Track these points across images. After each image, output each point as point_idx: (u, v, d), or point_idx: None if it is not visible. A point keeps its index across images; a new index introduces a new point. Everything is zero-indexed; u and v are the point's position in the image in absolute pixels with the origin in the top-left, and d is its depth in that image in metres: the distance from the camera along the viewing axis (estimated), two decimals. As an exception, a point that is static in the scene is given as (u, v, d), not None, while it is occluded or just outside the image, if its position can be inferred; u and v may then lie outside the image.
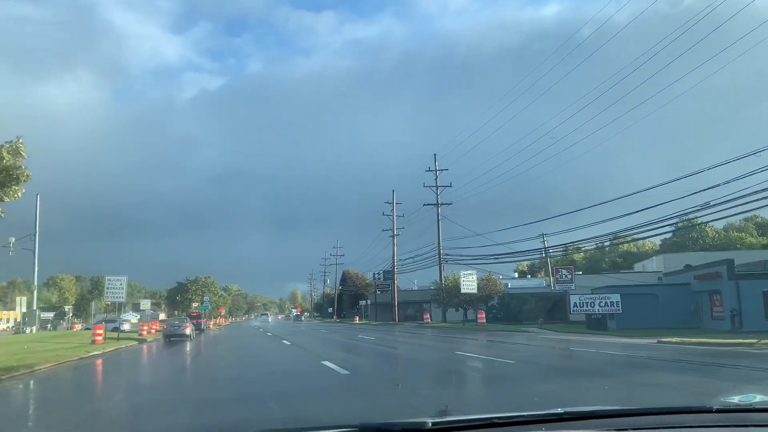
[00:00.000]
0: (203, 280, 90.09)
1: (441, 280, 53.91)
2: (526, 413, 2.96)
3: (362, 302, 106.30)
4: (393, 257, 62.12)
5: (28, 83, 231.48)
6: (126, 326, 48.52)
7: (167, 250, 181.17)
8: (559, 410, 2.98)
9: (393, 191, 62.69)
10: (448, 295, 52.90)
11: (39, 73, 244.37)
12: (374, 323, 64.94)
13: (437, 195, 51.34)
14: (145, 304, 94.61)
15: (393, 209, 62.17)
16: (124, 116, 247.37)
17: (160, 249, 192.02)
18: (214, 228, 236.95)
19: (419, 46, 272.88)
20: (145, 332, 38.68)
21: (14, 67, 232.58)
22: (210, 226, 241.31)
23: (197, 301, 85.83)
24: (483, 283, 49.82)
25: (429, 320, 54.50)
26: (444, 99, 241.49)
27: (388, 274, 68.00)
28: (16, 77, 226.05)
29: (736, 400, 3.60)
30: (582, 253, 76.26)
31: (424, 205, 51.79)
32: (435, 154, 52.98)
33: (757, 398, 3.51)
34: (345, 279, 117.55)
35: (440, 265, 53.42)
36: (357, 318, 72.65)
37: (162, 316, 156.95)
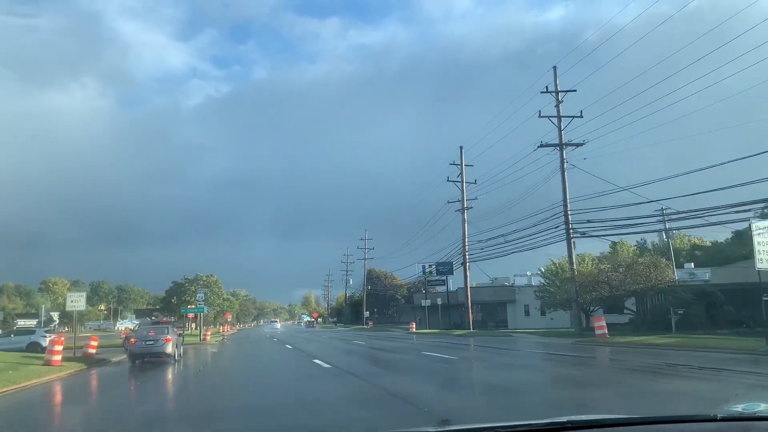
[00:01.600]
0: (205, 279, 76.16)
1: (572, 260, 33.71)
2: (529, 422, 2.95)
3: (394, 305, 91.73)
4: (463, 237, 46.14)
5: (34, 91, 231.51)
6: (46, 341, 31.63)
7: (173, 255, 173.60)
8: (563, 419, 2.98)
9: (461, 148, 47.48)
10: (585, 288, 35.15)
11: (45, 81, 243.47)
12: (432, 332, 49.07)
13: (560, 141, 34.27)
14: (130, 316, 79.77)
15: (462, 171, 46.94)
16: (130, 123, 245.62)
17: (165, 255, 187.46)
18: (221, 234, 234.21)
19: (424, 51, 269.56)
20: (93, 348, 24.01)
21: (20, 74, 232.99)
22: (217, 232, 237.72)
23: (195, 304, 72.27)
24: (643, 269, 34.14)
25: (507, 327, 38.92)
26: (451, 102, 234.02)
27: (443, 267, 52.55)
28: (22, 85, 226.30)
29: (740, 408, 3.43)
30: None
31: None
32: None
33: (761, 406, 3.33)
34: (370, 279, 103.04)
35: (569, 236, 32.60)
36: (413, 325, 53.23)
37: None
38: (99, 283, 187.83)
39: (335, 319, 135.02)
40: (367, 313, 79.94)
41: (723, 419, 3.01)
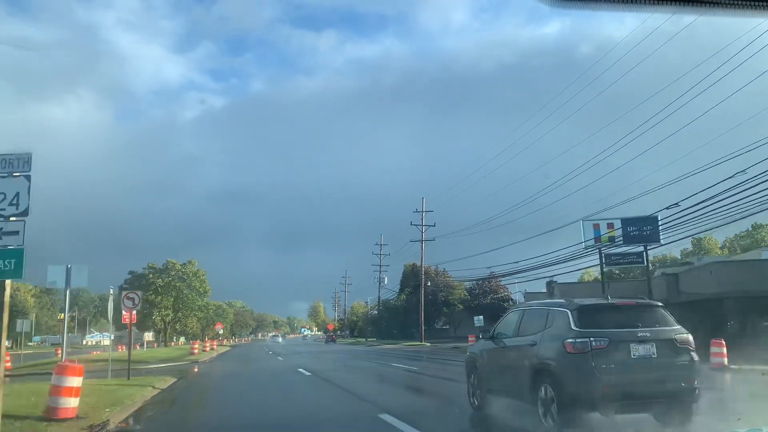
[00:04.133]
0: (180, 268, 50.84)
1: None
2: None
3: (448, 313, 65.96)
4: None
5: (29, 104, 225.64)
6: None
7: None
8: None
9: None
10: None
11: (41, 94, 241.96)
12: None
13: None
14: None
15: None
16: (127, 136, 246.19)
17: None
18: (217, 246, 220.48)
19: (420, 65, 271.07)
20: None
21: (16, 87, 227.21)
22: (212, 244, 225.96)
23: (166, 305, 46.73)
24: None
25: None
26: (447, 116, 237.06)
27: (642, 224, 25.55)
28: (17, 97, 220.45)
29: None
30: None
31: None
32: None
33: (764, 430, 3.35)
34: (407, 278, 76.85)
35: None
36: (472, 339, 28.42)
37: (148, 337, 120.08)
38: (79, 291, 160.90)
39: (347, 332, 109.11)
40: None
41: None
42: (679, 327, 7.73)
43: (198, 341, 45.76)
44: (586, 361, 7.11)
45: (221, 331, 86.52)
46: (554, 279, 39.45)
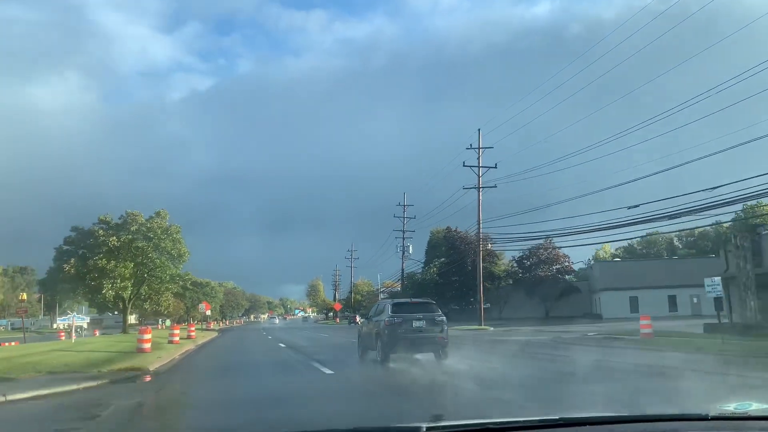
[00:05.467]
0: (143, 222, 36.12)
1: None
2: (521, 419, 2.96)
3: (494, 288, 52.79)
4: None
5: (15, 84, 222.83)
6: None
7: None
8: (555, 416, 2.93)
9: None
10: None
11: (26, 74, 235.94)
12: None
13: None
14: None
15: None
16: (114, 118, 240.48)
17: None
18: (207, 229, 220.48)
19: (410, 46, 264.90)
20: None
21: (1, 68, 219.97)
22: (202, 227, 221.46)
23: (123, 274, 32.57)
24: None
25: None
26: (438, 97, 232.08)
27: None
28: (2, 78, 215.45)
29: (732, 407, 3.38)
30: None
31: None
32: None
33: (753, 406, 3.36)
34: (435, 247, 63.30)
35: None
36: None
37: (131, 319, 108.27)
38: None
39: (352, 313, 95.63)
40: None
41: (714, 418, 3.01)
42: (438, 312, 15.76)
43: (176, 325, 32.53)
44: (393, 329, 14.87)
45: (209, 313, 72.93)
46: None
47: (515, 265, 56.03)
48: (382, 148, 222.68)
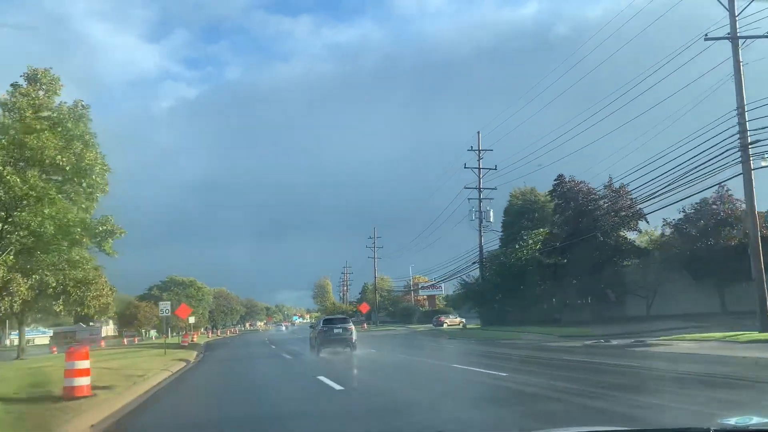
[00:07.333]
0: (24, 92, 17.04)
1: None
2: None
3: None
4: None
5: None
6: None
7: (148, 258, 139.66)
8: (560, 430, 3.12)
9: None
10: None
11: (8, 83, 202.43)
12: None
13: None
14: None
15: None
16: (104, 126, 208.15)
17: (140, 258, 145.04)
18: (199, 236, 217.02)
19: (400, 49, 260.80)
20: None
21: None
22: (195, 235, 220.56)
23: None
24: None
25: None
26: (430, 99, 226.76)
27: None
28: None
29: (732, 421, 3.34)
30: None
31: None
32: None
33: (753, 420, 3.32)
34: (517, 213, 43.61)
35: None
36: None
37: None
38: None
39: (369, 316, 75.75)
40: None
41: None
42: (350, 323, 26.44)
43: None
44: (321, 334, 25.04)
45: (192, 320, 53.02)
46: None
47: (672, 231, 35.84)
48: (376, 151, 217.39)
